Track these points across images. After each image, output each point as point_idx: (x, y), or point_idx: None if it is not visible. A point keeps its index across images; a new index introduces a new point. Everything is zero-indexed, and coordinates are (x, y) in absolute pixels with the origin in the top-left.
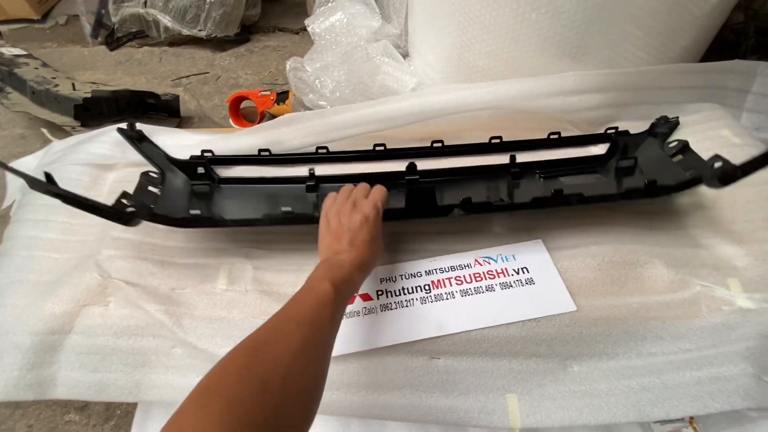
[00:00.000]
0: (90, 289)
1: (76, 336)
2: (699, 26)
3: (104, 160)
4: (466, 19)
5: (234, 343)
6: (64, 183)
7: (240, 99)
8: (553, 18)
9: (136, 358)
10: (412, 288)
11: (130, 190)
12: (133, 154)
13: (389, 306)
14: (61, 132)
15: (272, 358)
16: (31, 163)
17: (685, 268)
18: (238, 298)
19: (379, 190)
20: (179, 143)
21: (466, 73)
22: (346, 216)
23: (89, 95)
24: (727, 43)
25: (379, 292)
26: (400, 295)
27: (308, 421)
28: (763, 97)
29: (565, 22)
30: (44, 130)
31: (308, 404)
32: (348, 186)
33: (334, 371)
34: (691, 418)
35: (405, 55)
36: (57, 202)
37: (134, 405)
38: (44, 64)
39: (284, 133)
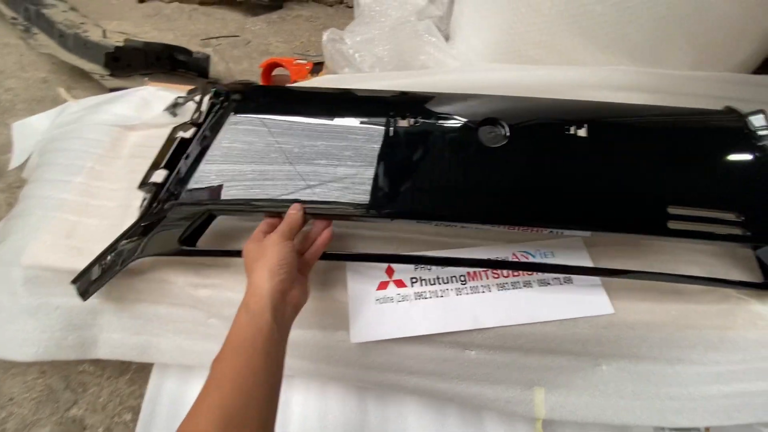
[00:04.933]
0: None
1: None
2: (761, 38)
3: (126, 121)
4: (524, 4)
5: None
6: (83, 142)
7: (274, 65)
8: (618, 12)
9: (177, 326)
10: (447, 278)
11: (152, 154)
12: (155, 118)
13: (423, 295)
14: (81, 86)
15: None
16: (42, 123)
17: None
18: None
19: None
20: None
21: (512, 62)
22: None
23: (121, 44)
24: None
25: (413, 280)
26: (435, 284)
27: None
28: None
29: (630, 18)
30: (61, 90)
31: None
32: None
33: (359, 352)
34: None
35: (446, 38)
36: (76, 161)
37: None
38: (73, 8)
39: None
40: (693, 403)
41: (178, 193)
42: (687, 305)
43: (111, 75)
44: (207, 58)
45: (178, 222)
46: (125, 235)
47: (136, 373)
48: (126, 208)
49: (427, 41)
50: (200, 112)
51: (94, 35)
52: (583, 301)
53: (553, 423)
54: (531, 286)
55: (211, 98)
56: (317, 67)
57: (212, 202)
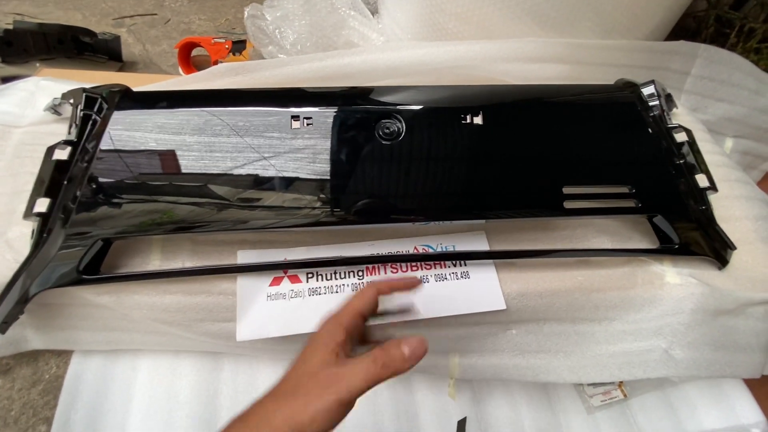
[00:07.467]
0: (3, 275)
1: None
2: (666, 7)
3: (8, 120)
4: None
5: None
6: None
7: (191, 45)
8: None
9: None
10: (345, 272)
11: (40, 153)
12: (41, 113)
13: (318, 291)
14: None
15: None
16: None
17: (629, 242)
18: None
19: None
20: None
21: (435, 36)
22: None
23: (11, 27)
24: (688, 31)
25: (309, 275)
26: (331, 279)
27: None
28: (700, 79)
29: None
30: None
31: None
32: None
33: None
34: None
35: (374, 12)
36: None
37: (64, 370)
38: None
39: (232, 83)
40: (584, 361)
41: (66, 221)
42: (593, 270)
43: (3, 62)
44: (117, 39)
45: (72, 252)
46: (23, 268)
47: (50, 383)
48: (10, 214)
49: (348, 15)
50: (75, 126)
51: None
52: (477, 298)
53: (482, 383)
54: (428, 281)
55: (83, 109)
56: (239, 45)
57: (102, 229)
